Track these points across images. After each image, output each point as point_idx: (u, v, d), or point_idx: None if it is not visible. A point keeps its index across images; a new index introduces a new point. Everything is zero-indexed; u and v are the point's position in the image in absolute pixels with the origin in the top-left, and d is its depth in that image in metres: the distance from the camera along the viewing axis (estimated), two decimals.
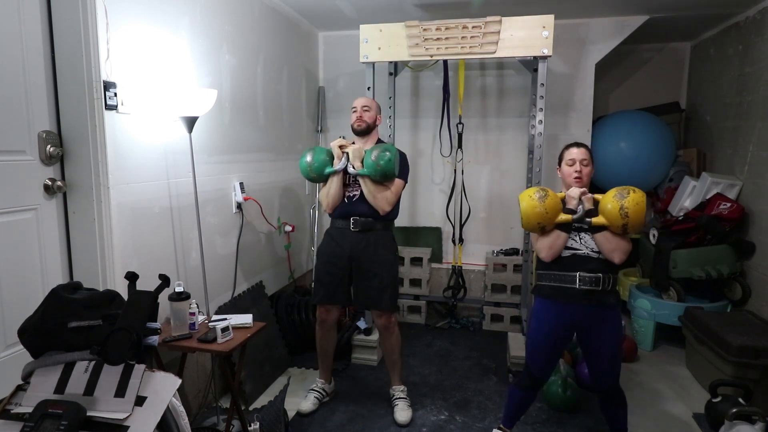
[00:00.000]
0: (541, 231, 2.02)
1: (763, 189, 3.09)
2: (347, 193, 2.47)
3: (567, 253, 2.01)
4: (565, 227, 2.00)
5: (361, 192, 2.43)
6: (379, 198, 2.40)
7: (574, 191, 2.02)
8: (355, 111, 2.54)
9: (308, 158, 2.42)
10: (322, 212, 3.74)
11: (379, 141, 2.60)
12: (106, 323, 1.31)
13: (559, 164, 2.13)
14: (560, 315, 2.03)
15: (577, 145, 2.09)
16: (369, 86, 3.18)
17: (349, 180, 2.47)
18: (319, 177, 2.45)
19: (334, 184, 2.44)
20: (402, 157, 2.47)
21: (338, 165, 2.41)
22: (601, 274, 1.96)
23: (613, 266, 2.00)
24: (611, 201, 1.91)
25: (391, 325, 2.54)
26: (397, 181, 2.43)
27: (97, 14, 1.80)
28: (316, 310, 2.67)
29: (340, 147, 2.43)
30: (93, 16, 1.79)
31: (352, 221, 2.46)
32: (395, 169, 2.35)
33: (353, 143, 2.47)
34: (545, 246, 2.01)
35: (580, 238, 2.00)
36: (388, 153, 2.33)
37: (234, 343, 1.96)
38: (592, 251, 1.98)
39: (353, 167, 2.38)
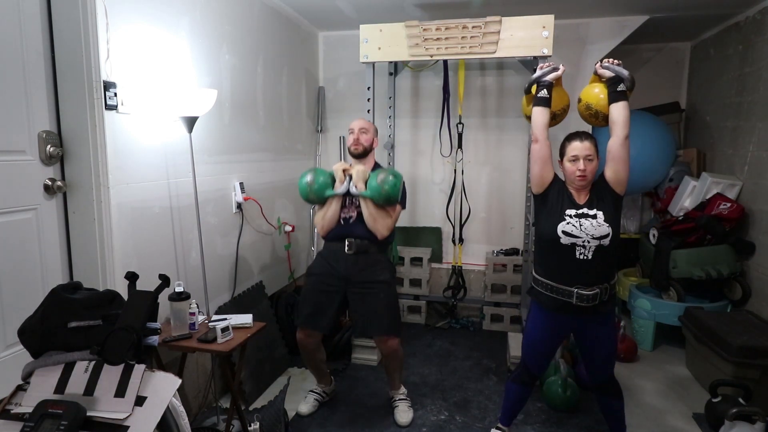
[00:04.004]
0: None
1: (763, 189, 3.09)
2: (343, 215, 2.40)
3: (566, 240, 1.92)
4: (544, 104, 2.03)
5: (358, 214, 2.37)
6: (380, 222, 2.33)
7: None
8: (352, 133, 2.48)
9: (308, 178, 2.33)
10: None
11: (376, 165, 2.54)
12: (106, 323, 1.31)
13: (561, 158, 2.04)
14: (557, 322, 2.04)
15: (580, 137, 1.98)
16: (369, 86, 3.18)
17: (345, 202, 2.40)
18: (318, 199, 2.37)
19: (332, 208, 2.36)
20: (402, 183, 2.41)
21: (340, 188, 2.33)
22: (598, 291, 1.92)
23: (611, 274, 1.97)
24: (599, 86, 2.05)
25: (395, 351, 2.45)
26: (397, 207, 2.39)
27: (97, 14, 1.80)
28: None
29: (344, 171, 2.36)
30: (93, 16, 1.80)
31: (347, 243, 2.39)
32: (398, 195, 2.31)
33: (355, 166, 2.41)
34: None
35: (580, 225, 1.92)
36: (393, 177, 2.27)
37: (234, 343, 1.96)
38: (593, 238, 1.90)
39: (356, 188, 2.32)
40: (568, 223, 1.93)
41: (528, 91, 2.16)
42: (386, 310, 2.39)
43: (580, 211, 1.95)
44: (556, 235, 1.93)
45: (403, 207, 2.46)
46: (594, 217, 1.93)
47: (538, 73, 2.07)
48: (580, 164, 1.94)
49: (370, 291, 2.39)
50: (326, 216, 2.39)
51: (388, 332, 2.40)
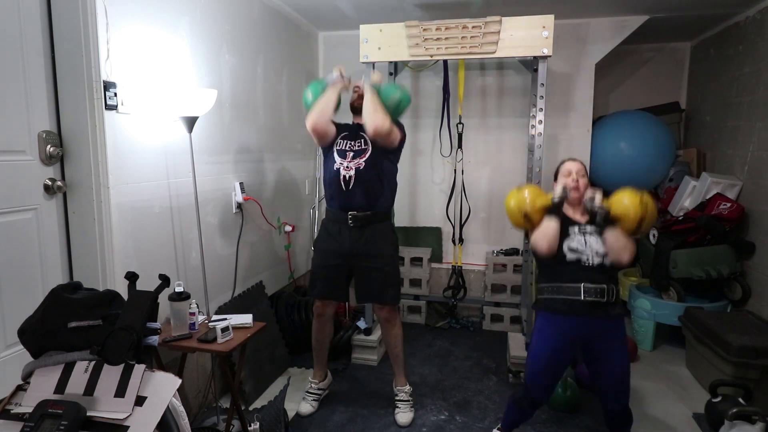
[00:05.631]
0: (529, 222, 2.06)
1: (763, 189, 3.09)
2: (343, 172, 2.38)
3: (572, 256, 1.96)
4: (555, 212, 2.01)
5: (356, 172, 2.36)
6: (380, 113, 2.28)
7: (590, 192, 2.07)
8: (356, 91, 2.50)
9: (309, 94, 2.46)
10: (322, 212, 3.73)
11: None
12: (106, 323, 1.31)
13: (555, 179, 2.15)
14: (564, 329, 1.98)
15: (572, 159, 2.14)
16: None
17: (345, 148, 2.40)
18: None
19: (327, 94, 2.38)
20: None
21: (334, 76, 2.43)
22: (605, 285, 1.92)
23: (615, 277, 1.99)
24: (628, 195, 1.99)
25: (393, 318, 2.54)
26: (395, 129, 2.38)
27: (97, 14, 1.80)
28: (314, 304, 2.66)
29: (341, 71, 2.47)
30: (93, 16, 1.80)
31: (350, 217, 2.41)
32: (402, 109, 2.45)
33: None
34: (539, 236, 1.98)
35: (585, 242, 1.97)
36: (403, 93, 2.45)
37: (234, 343, 1.96)
38: (597, 254, 1.94)
39: (371, 79, 2.43)
40: (573, 239, 1.99)
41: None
42: (388, 283, 2.48)
43: (583, 228, 2.01)
44: (562, 252, 1.98)
45: (402, 134, 2.46)
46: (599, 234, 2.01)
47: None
48: (574, 176, 2.07)
49: (375, 265, 2.44)
50: (321, 101, 2.37)
51: (387, 302, 2.51)
